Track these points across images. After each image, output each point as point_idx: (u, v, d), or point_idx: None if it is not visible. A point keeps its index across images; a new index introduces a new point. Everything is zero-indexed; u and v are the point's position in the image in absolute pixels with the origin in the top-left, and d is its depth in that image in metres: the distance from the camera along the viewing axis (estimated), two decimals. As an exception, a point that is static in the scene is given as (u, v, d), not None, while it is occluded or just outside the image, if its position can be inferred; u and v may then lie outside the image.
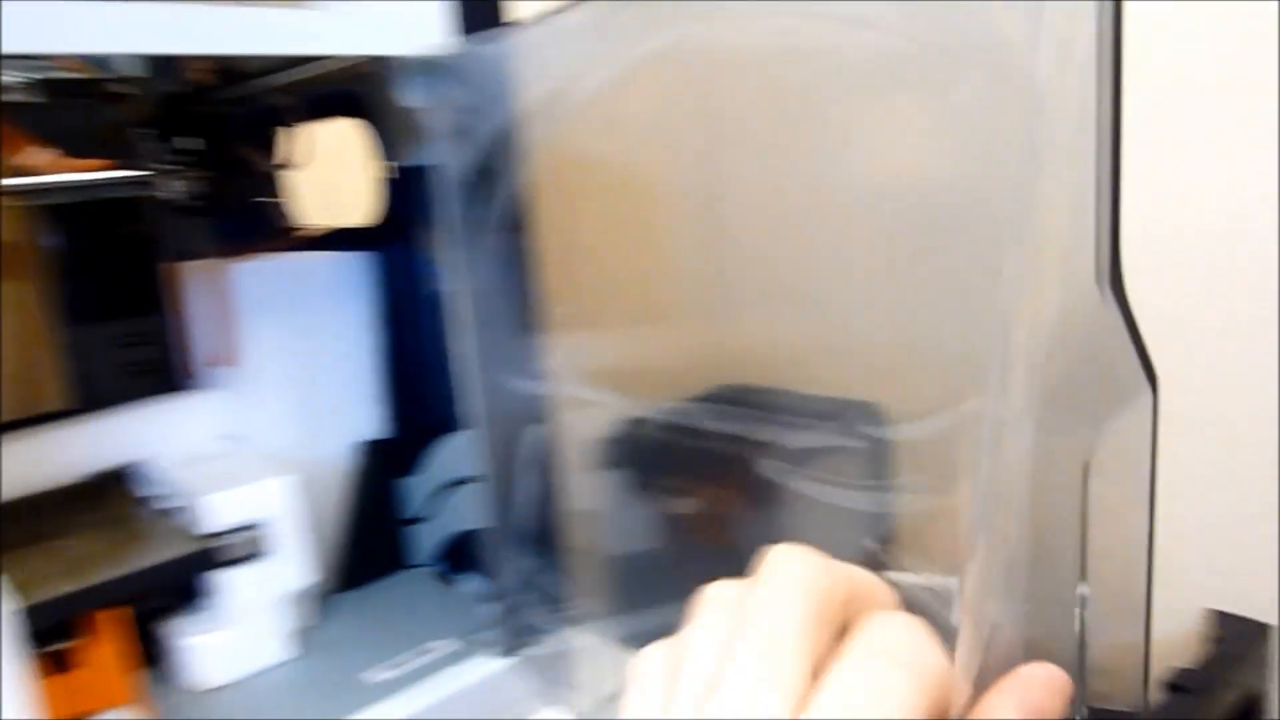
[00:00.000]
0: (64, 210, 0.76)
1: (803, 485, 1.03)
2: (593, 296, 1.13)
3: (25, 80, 0.74)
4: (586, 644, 0.74)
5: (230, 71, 0.79)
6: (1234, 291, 0.79)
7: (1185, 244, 0.81)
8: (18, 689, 0.55)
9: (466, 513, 0.81)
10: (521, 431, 0.69)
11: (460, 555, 0.83)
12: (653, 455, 1.15)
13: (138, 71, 0.77)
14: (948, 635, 0.26)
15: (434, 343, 0.82)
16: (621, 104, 0.67)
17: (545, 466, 0.71)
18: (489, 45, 0.65)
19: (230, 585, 0.71)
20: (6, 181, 0.72)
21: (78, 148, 0.77)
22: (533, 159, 0.69)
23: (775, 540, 0.30)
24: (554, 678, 0.73)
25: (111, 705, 0.66)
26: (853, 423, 1.16)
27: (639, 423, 1.16)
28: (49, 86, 0.75)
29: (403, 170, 0.80)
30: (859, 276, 1.16)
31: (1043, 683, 0.26)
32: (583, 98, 0.66)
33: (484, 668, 0.70)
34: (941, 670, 0.24)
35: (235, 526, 0.71)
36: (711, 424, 1.21)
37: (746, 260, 1.28)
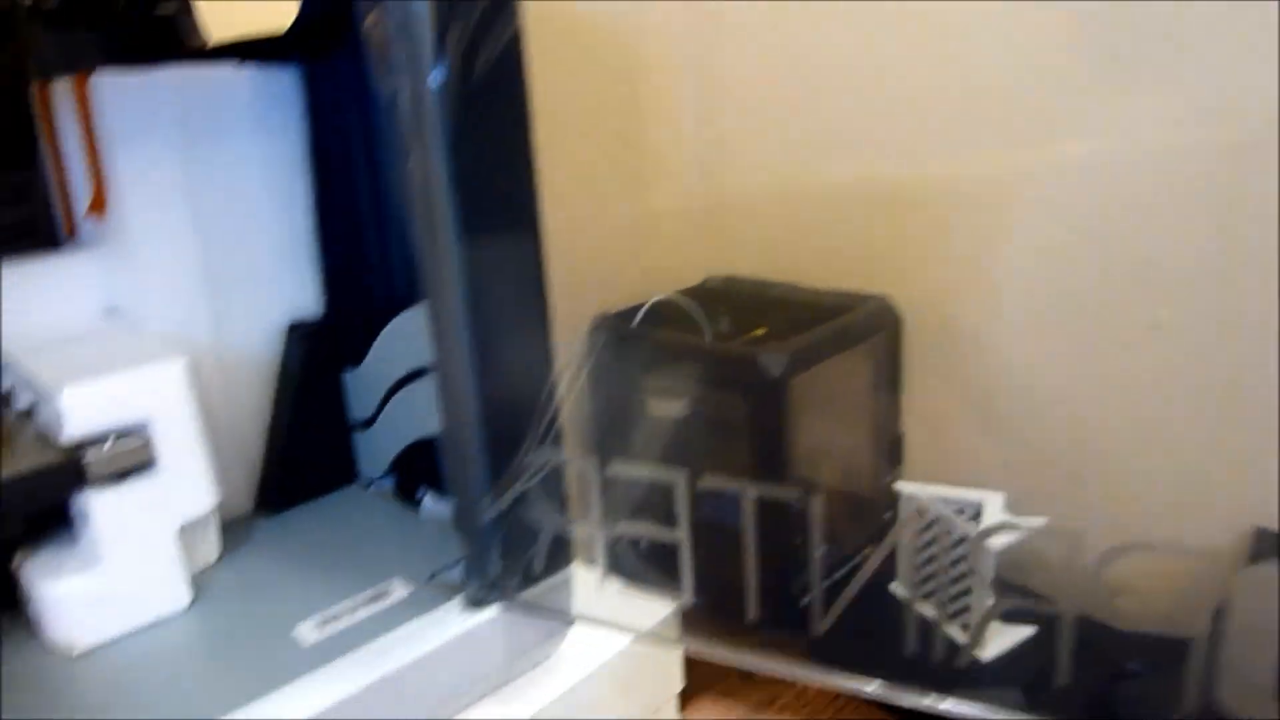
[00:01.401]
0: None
1: (806, 386, 0.86)
2: (581, 163, 0.94)
3: None
4: (581, 586, 0.56)
5: None
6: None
7: None
8: None
9: (422, 415, 0.62)
10: (501, 308, 0.49)
11: (421, 468, 0.64)
12: (639, 353, 0.97)
13: None
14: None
15: (371, 191, 0.62)
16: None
17: (535, 357, 0.52)
18: None
19: (104, 512, 0.52)
20: None
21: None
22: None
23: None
24: (538, 636, 0.55)
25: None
26: (862, 319, 0.98)
27: (622, 316, 0.98)
28: None
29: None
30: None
31: None
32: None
33: (449, 623, 0.52)
34: None
35: (109, 430, 0.51)
36: (705, 319, 1.03)
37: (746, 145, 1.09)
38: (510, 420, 0.51)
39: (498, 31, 0.46)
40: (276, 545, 0.62)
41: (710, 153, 1.13)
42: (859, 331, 0.98)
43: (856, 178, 1.01)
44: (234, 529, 0.63)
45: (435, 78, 0.45)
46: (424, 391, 0.62)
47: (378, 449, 0.67)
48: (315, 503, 0.66)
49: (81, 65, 0.61)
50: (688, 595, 0.50)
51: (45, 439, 0.52)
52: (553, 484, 0.52)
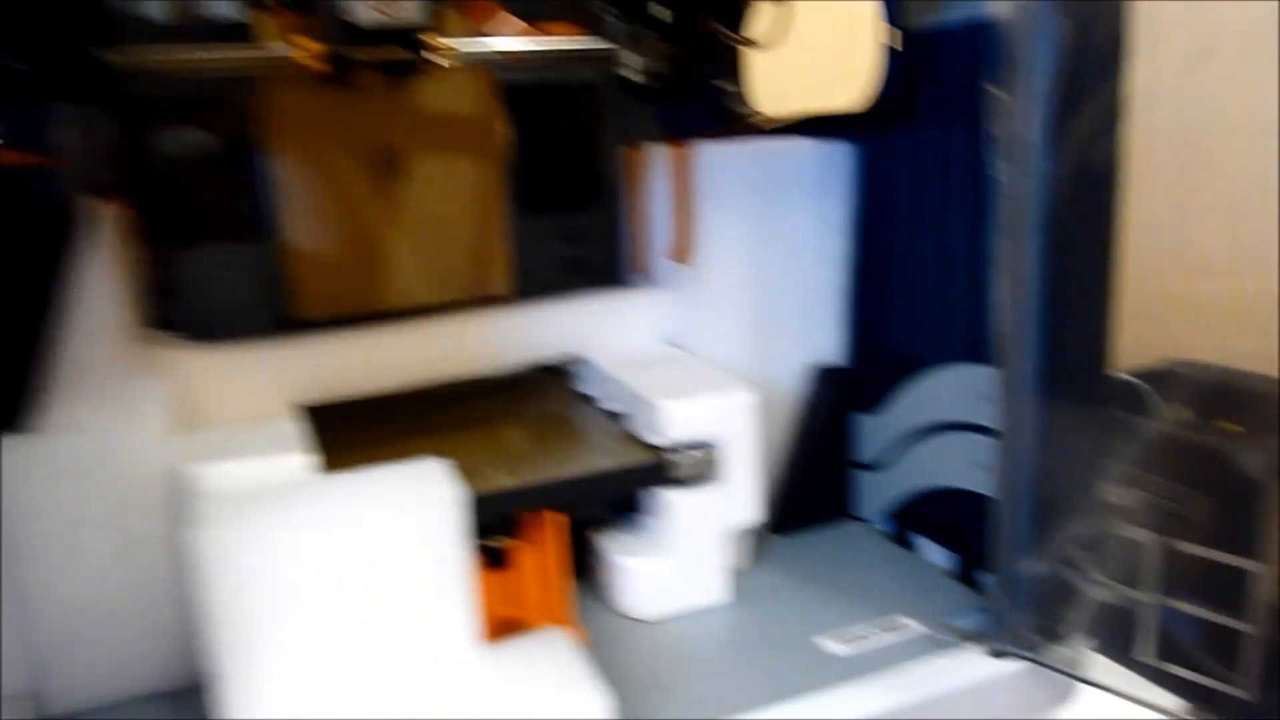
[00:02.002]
0: (525, 90, 0.69)
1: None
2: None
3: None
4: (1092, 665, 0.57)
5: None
6: None
7: None
8: (462, 578, 0.48)
9: (938, 466, 0.66)
10: (1065, 378, 0.53)
11: (921, 517, 0.69)
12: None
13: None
14: None
15: (917, 257, 0.68)
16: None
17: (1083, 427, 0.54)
18: None
19: (675, 508, 0.62)
20: (475, 47, 0.66)
21: (545, 17, 0.70)
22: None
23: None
24: (1050, 694, 0.57)
25: (543, 617, 0.59)
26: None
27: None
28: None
29: (911, 39, 0.65)
30: None
31: None
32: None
33: (969, 667, 0.55)
34: None
35: (690, 442, 0.61)
36: (1163, 403, 0.97)
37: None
38: (1055, 486, 0.54)
39: (1104, 133, 0.50)
40: (786, 562, 0.69)
41: (1181, 227, 1.07)
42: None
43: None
44: (754, 544, 0.72)
45: (1043, 169, 0.49)
46: (936, 445, 0.67)
47: (877, 492, 0.72)
48: (816, 530, 0.73)
49: (653, 135, 0.73)
50: (1228, 683, 0.50)
51: (635, 440, 0.63)
52: (1088, 551, 0.54)
